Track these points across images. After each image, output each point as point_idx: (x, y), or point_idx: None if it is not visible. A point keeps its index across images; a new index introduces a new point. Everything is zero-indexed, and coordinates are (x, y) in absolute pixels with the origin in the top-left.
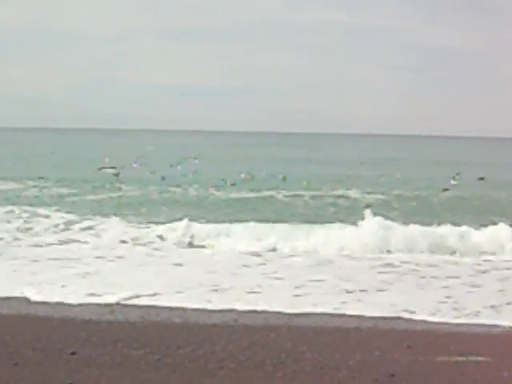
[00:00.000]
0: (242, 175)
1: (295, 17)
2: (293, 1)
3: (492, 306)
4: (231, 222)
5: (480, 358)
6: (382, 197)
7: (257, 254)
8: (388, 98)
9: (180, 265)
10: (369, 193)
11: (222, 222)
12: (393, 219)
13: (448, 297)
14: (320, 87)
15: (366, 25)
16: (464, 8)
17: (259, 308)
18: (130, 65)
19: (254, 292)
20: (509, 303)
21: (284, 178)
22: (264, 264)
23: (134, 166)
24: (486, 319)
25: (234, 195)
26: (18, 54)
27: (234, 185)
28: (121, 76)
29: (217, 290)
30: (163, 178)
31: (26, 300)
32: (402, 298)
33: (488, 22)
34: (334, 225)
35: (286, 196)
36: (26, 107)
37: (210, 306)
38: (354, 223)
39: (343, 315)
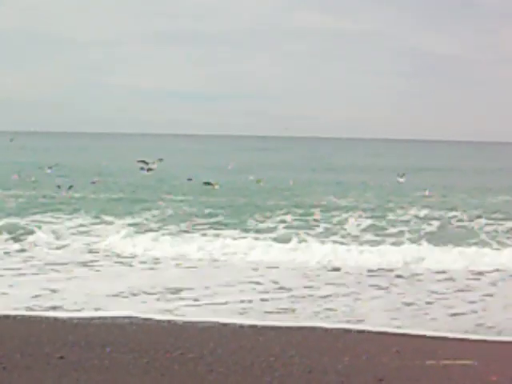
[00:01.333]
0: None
1: (284, 22)
2: (282, 5)
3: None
4: None
5: (468, 362)
6: None
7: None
8: (377, 103)
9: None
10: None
11: None
12: None
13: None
14: (309, 92)
15: (355, 30)
16: (454, 13)
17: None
18: (118, 69)
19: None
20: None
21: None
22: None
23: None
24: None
25: None
26: (5, 57)
27: None
28: (108, 80)
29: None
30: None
31: None
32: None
33: (478, 28)
34: None
35: None
36: (19, 111)
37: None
38: None
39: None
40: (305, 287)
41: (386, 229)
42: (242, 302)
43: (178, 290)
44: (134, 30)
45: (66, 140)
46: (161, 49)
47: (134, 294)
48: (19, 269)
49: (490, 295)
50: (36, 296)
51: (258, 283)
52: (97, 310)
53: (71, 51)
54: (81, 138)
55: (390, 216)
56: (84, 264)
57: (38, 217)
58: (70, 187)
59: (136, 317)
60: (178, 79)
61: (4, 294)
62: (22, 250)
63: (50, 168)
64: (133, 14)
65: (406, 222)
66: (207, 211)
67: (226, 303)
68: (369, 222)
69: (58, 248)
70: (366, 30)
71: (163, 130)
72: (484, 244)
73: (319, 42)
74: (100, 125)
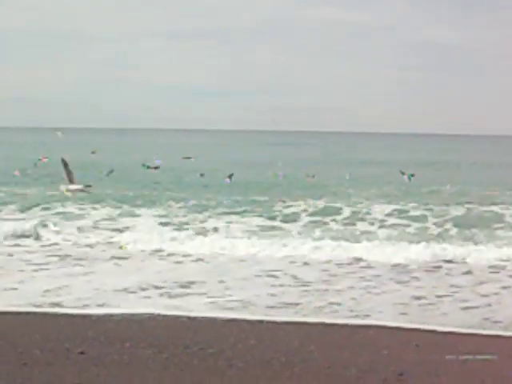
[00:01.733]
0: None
1: (303, 16)
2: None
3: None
4: None
5: (489, 357)
6: None
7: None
8: (393, 97)
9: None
10: None
11: None
12: None
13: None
14: (328, 86)
15: (372, 24)
16: (472, 6)
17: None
18: (138, 65)
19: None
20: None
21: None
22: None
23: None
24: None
25: None
26: (28, 54)
27: None
28: (129, 76)
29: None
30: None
31: None
32: None
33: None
34: None
35: None
36: (37, 107)
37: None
38: None
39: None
40: (324, 281)
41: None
42: (261, 296)
43: (196, 285)
44: (153, 26)
45: (100, 136)
46: (177, 44)
47: (156, 287)
48: (44, 263)
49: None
50: (56, 290)
51: (276, 277)
52: (115, 306)
53: (90, 46)
54: (108, 134)
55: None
56: (107, 259)
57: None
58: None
59: (155, 312)
60: (194, 75)
61: (22, 289)
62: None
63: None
64: (152, 10)
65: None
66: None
67: (245, 298)
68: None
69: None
70: (381, 23)
71: (182, 125)
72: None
73: (334, 36)
74: (117, 120)
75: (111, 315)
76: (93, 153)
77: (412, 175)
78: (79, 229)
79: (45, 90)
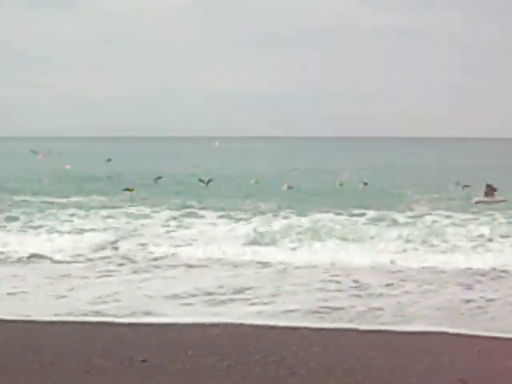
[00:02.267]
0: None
1: (360, 22)
2: (358, 6)
3: None
4: None
5: None
6: None
7: None
8: (447, 100)
9: None
10: None
11: None
12: None
13: None
14: (383, 92)
15: (428, 28)
16: None
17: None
18: (194, 73)
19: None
20: None
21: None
22: None
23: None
24: None
25: None
26: (88, 62)
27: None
28: (186, 84)
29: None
30: None
31: None
32: None
33: None
34: None
35: None
36: (92, 115)
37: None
38: None
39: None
40: (385, 285)
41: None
42: (323, 303)
43: (256, 292)
44: (212, 32)
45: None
46: (234, 51)
47: (223, 295)
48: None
49: None
50: (114, 296)
51: (338, 282)
52: (177, 314)
53: (150, 55)
54: (174, 142)
55: None
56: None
57: None
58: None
59: (217, 320)
60: (251, 81)
61: (88, 298)
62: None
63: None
64: (209, 18)
65: None
66: None
67: (306, 305)
68: None
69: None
70: (433, 28)
71: (239, 132)
72: None
73: (388, 41)
74: (174, 128)
75: (174, 323)
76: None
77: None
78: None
79: (110, 98)
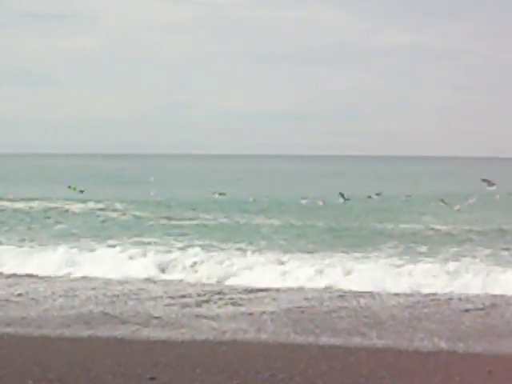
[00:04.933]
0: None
1: (371, 40)
2: (368, 24)
3: None
4: None
5: None
6: None
7: None
8: (462, 120)
9: None
10: None
11: None
12: None
13: None
14: (396, 110)
15: (442, 47)
16: None
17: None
18: (206, 90)
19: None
20: None
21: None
22: None
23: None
24: None
25: None
26: (96, 78)
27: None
28: (197, 101)
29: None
30: None
31: None
32: None
33: None
34: None
35: None
36: (103, 132)
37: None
38: None
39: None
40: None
41: None
42: (331, 320)
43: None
44: (223, 50)
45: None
46: (249, 69)
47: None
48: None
49: None
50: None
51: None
52: (186, 331)
53: (160, 72)
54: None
55: None
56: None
57: None
58: None
59: (225, 338)
60: (268, 99)
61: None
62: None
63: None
64: (222, 35)
65: None
66: None
67: (312, 322)
68: None
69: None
70: (448, 46)
71: (257, 150)
72: None
73: (405, 59)
74: (191, 146)
75: (182, 341)
76: None
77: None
78: None
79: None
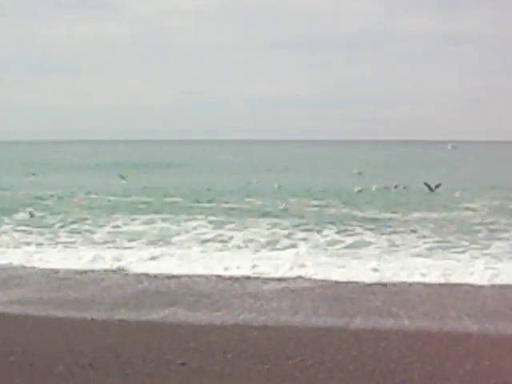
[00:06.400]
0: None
1: (396, 25)
2: (393, 10)
3: None
4: None
5: None
6: None
7: None
8: (486, 106)
9: None
10: None
11: None
12: None
13: None
14: (421, 95)
15: (464, 32)
16: None
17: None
18: (231, 77)
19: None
20: None
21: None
22: None
23: None
24: None
25: None
26: (126, 65)
27: None
28: (222, 88)
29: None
30: None
31: None
32: None
33: None
34: None
35: None
36: (131, 118)
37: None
38: None
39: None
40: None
41: None
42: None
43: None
44: (249, 37)
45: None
46: (274, 55)
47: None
48: None
49: None
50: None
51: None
52: (216, 316)
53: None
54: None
55: None
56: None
57: None
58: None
59: (256, 323)
60: (292, 86)
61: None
62: None
63: None
64: (247, 21)
65: None
66: None
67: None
68: None
69: None
70: (474, 32)
71: (281, 136)
72: None
73: (429, 45)
74: (215, 132)
75: (213, 326)
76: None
77: None
78: None
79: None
